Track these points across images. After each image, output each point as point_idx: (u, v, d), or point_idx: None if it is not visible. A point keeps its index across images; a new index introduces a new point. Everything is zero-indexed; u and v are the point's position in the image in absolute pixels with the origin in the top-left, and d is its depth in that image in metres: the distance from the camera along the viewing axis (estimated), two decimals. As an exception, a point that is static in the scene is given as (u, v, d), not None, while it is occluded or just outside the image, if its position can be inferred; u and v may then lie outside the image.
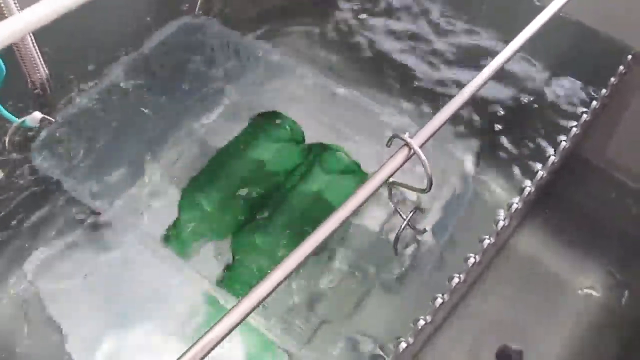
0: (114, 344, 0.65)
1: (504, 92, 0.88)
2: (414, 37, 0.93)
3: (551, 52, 0.92)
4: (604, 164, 0.84)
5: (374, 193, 0.52)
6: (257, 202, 0.76)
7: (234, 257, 0.71)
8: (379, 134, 0.79)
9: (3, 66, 0.68)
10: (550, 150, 0.81)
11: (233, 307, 0.44)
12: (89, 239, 0.70)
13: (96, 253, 0.69)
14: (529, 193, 0.76)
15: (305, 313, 0.67)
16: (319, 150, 0.80)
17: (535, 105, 0.86)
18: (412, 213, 0.70)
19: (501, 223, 0.72)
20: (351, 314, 0.67)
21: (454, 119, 0.61)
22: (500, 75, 0.88)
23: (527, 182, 0.77)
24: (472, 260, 0.69)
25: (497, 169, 0.79)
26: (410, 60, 0.90)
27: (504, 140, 0.82)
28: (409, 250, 0.72)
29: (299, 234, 0.72)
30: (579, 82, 0.89)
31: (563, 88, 0.88)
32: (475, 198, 0.76)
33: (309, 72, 0.86)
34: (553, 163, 0.79)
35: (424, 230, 0.72)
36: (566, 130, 0.83)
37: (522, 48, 0.63)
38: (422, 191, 0.61)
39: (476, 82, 0.60)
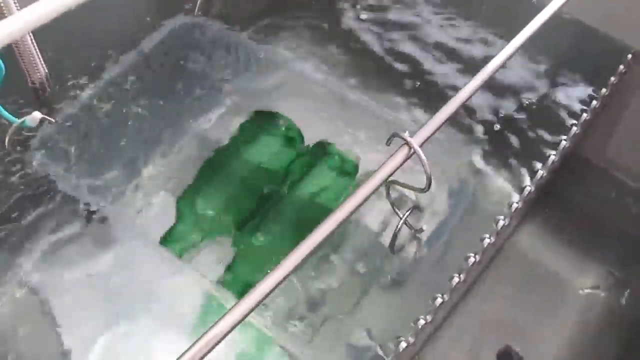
0: (113, 343, 0.64)
1: (504, 92, 0.87)
2: (414, 36, 0.93)
3: (551, 51, 0.92)
4: (604, 163, 0.84)
5: (374, 192, 0.52)
6: (257, 202, 0.76)
7: (234, 257, 0.71)
8: (380, 133, 0.79)
9: (3, 66, 0.68)
10: (551, 150, 0.81)
11: (233, 306, 0.44)
12: (89, 239, 0.70)
13: (95, 252, 0.69)
14: (529, 192, 0.76)
15: (305, 312, 0.67)
16: (319, 150, 0.80)
17: (535, 105, 0.86)
18: (408, 212, 0.70)
19: (501, 222, 0.72)
20: (351, 313, 0.67)
21: (454, 118, 0.61)
22: (500, 75, 0.89)
23: (528, 182, 0.77)
24: (472, 259, 0.69)
25: (497, 168, 0.79)
26: (410, 59, 0.90)
27: (503, 139, 0.82)
28: (409, 249, 0.72)
29: (299, 233, 0.72)
30: (578, 82, 0.89)
31: (563, 87, 0.88)
32: (475, 197, 0.76)
33: (309, 71, 0.86)
34: (553, 162, 0.79)
35: (421, 230, 0.72)
36: (566, 130, 0.83)
37: (521, 47, 0.63)
38: (421, 190, 0.61)
39: (476, 81, 0.60)
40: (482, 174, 0.79)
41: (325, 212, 0.74)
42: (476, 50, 0.92)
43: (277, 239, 0.73)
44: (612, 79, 0.88)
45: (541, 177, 0.77)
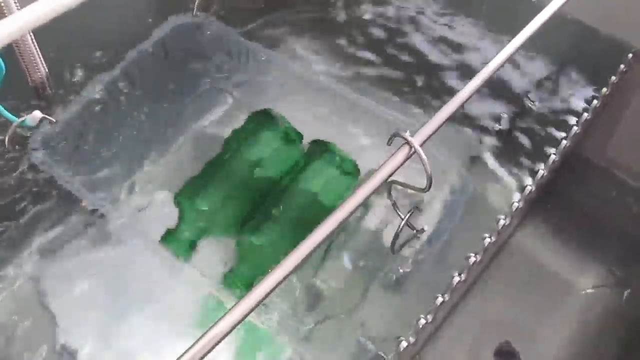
0: (113, 342, 0.64)
1: (504, 91, 0.87)
2: (415, 34, 0.93)
3: (551, 50, 0.92)
4: (604, 162, 0.84)
5: (375, 192, 0.52)
6: (257, 201, 0.76)
7: (234, 257, 0.71)
8: (380, 132, 0.79)
9: (3, 65, 0.68)
10: (551, 149, 0.80)
11: (233, 306, 0.44)
12: (88, 238, 0.70)
13: (95, 252, 0.69)
14: (530, 192, 0.76)
15: (305, 312, 0.67)
16: (318, 149, 0.80)
17: (536, 104, 0.86)
18: (410, 212, 0.70)
19: (502, 222, 0.72)
20: (351, 312, 0.67)
21: (455, 117, 0.61)
22: (501, 74, 0.89)
23: (528, 181, 0.77)
24: (472, 259, 0.69)
25: (497, 167, 0.79)
26: (411, 59, 0.90)
27: (504, 139, 0.82)
28: (409, 249, 0.72)
29: (300, 232, 0.72)
30: (579, 81, 0.89)
31: (563, 87, 0.88)
32: (476, 197, 0.76)
33: (309, 70, 0.86)
34: (554, 162, 0.79)
35: (422, 230, 0.72)
36: (567, 129, 0.83)
37: (522, 47, 0.63)
38: (422, 190, 0.61)
39: (477, 81, 0.60)
40: (482, 174, 0.79)
41: (325, 210, 0.74)
42: (476, 50, 0.92)
43: (277, 239, 0.72)
44: (613, 78, 0.88)
45: (542, 176, 0.77)
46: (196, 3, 0.85)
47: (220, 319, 0.43)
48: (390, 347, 0.64)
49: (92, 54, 0.85)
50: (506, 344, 0.67)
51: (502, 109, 0.85)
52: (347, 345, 0.65)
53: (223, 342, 0.43)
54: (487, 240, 0.71)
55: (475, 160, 0.80)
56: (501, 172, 0.79)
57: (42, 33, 0.71)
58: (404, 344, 0.64)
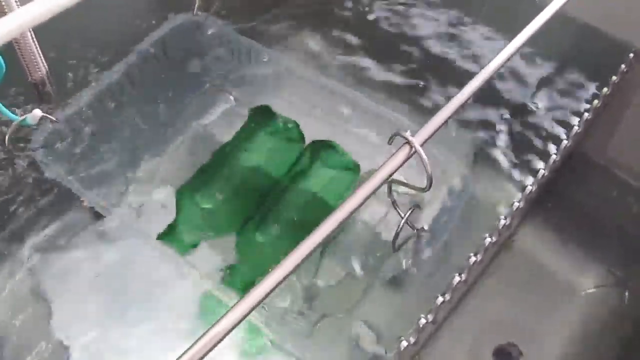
0: (113, 341, 0.64)
1: (504, 91, 0.87)
2: (415, 34, 0.93)
3: (552, 50, 0.92)
4: (605, 162, 0.84)
5: (375, 191, 0.51)
6: (257, 200, 0.75)
7: (234, 256, 0.71)
8: (380, 132, 0.79)
9: (3, 63, 0.67)
10: (552, 149, 0.80)
11: (234, 305, 0.44)
12: (88, 238, 0.70)
13: (95, 250, 0.69)
14: (531, 191, 0.76)
15: (305, 311, 0.67)
16: (319, 148, 0.80)
17: (536, 104, 0.86)
18: (410, 211, 0.70)
19: (502, 222, 0.72)
20: (351, 312, 0.67)
21: (455, 117, 0.61)
22: (501, 74, 0.88)
23: (529, 180, 0.77)
24: (473, 259, 0.69)
25: (498, 167, 0.79)
26: (411, 58, 0.90)
27: (505, 138, 0.82)
28: (410, 248, 0.72)
29: (300, 231, 0.71)
30: (580, 81, 0.89)
31: (564, 86, 0.88)
32: (476, 196, 0.76)
33: (310, 69, 0.86)
34: (554, 161, 0.79)
35: (423, 229, 0.72)
36: (568, 129, 0.83)
37: (523, 46, 0.63)
38: (422, 190, 0.60)
39: (477, 80, 0.59)
40: (483, 173, 0.79)
41: (326, 209, 0.74)
42: (476, 49, 0.92)
43: (278, 238, 0.72)
44: (614, 77, 0.87)
45: (542, 176, 0.77)
46: (196, 3, 0.84)
47: (220, 318, 0.43)
48: (391, 346, 0.64)
49: (92, 53, 0.85)
50: (508, 345, 0.67)
51: (502, 109, 0.85)
52: (347, 344, 0.65)
53: (223, 341, 0.43)
54: (488, 240, 0.71)
55: (475, 160, 0.80)
56: (501, 171, 0.79)
57: (43, 32, 0.71)
58: (405, 343, 0.64)
